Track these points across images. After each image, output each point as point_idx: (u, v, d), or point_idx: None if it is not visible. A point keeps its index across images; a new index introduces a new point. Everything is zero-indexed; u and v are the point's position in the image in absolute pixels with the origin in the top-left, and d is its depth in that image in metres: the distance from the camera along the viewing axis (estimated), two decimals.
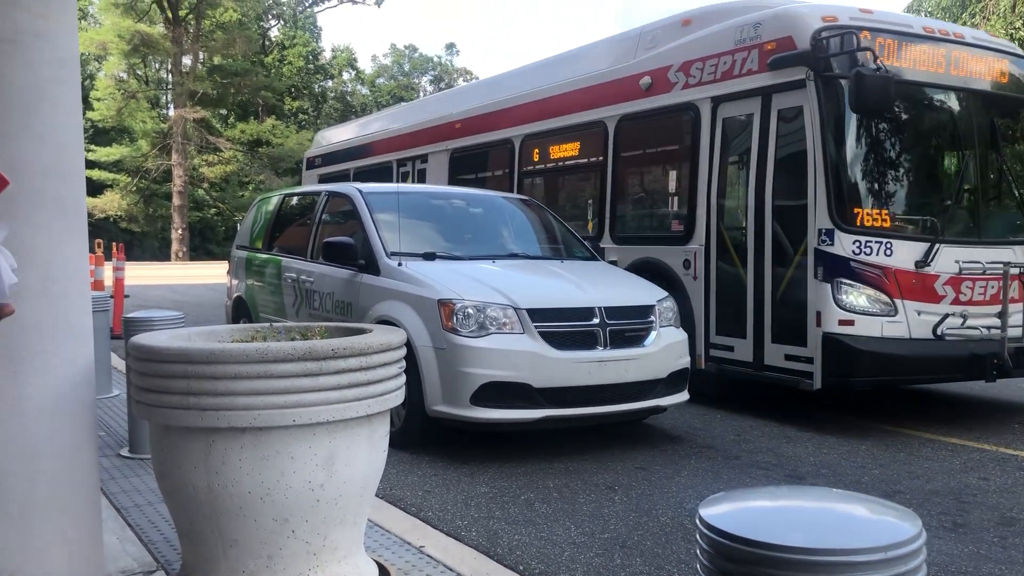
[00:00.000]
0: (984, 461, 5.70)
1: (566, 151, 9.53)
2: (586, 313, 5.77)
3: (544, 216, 7.88)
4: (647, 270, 7.72)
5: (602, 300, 5.89)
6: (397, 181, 12.45)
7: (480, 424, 5.57)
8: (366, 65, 60.48)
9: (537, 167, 10.00)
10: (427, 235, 6.88)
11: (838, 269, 6.44)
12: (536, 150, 9.91)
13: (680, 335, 6.29)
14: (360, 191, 7.10)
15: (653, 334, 6.01)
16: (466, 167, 11.38)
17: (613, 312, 5.85)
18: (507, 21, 73.62)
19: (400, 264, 6.15)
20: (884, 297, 6.46)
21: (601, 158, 8.85)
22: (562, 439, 6.06)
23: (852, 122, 6.69)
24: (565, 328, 5.67)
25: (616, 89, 8.65)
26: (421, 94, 55.38)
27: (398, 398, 3.15)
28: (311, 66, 55.44)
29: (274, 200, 9.11)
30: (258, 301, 8.43)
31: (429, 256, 6.31)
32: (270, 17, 54.00)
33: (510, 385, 5.49)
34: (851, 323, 6.41)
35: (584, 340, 5.70)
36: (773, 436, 6.44)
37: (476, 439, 5.99)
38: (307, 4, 55.12)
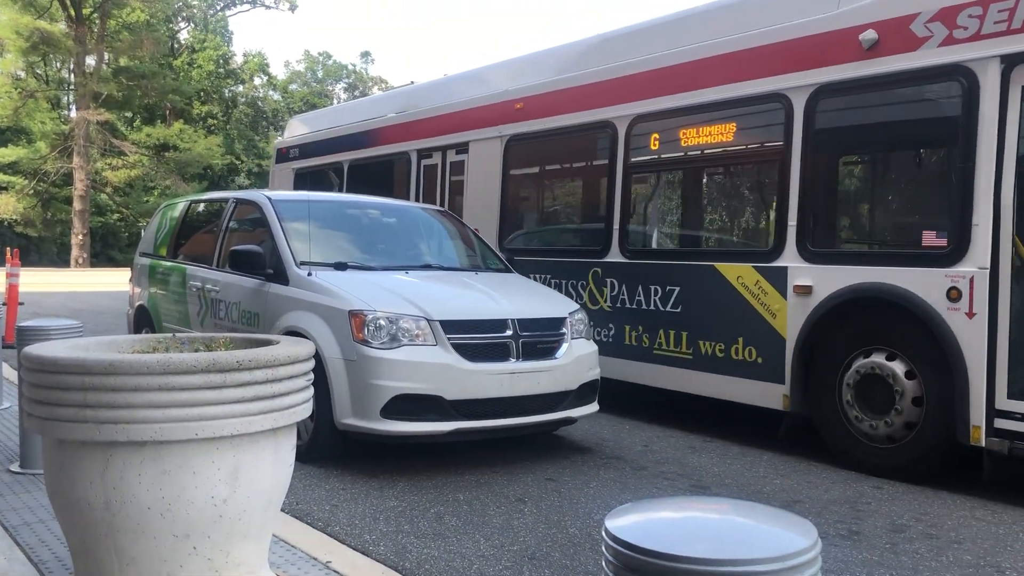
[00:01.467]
0: (875, 469, 5.91)
1: (711, 136, 7.12)
2: (499, 325, 5.78)
3: (461, 228, 7.89)
4: (869, 306, 5.85)
5: (515, 312, 5.92)
6: (417, 176, 10.42)
7: (391, 437, 5.52)
8: (279, 71, 59.53)
9: (652, 157, 7.67)
10: (339, 245, 6.81)
11: None
12: (655, 135, 7.54)
13: (590, 347, 6.37)
14: (269, 198, 6.98)
15: (565, 346, 6.07)
16: (529, 158, 9.28)
17: (526, 324, 5.88)
18: (424, 30, 73.52)
19: (310, 274, 6.05)
20: None
21: (780, 143, 6.47)
22: (473, 451, 6.05)
23: None
24: (478, 340, 5.67)
25: (808, 50, 6.33)
26: (335, 101, 54.76)
27: (306, 411, 3.09)
28: (221, 70, 54.28)
29: (180, 206, 8.87)
30: (161, 310, 8.19)
31: (340, 266, 6.24)
32: (180, 19, 52.70)
33: (422, 397, 5.46)
34: None
35: (497, 352, 5.71)
36: (679, 447, 6.57)
37: (386, 452, 5.93)
38: (218, 7, 54.00)
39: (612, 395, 7.29)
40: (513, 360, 5.72)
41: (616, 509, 1.76)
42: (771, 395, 6.40)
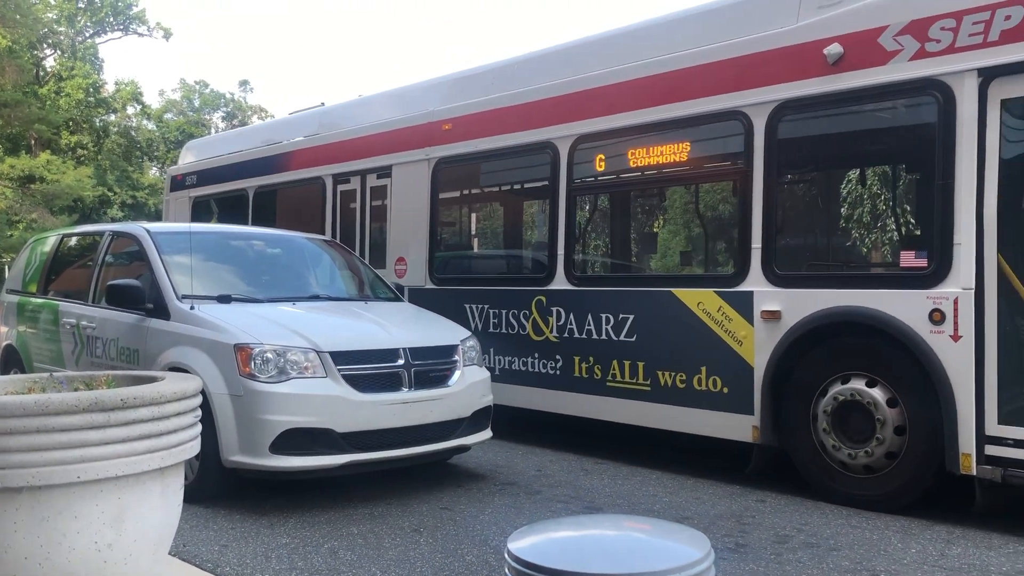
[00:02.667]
0: (761, 483, 6.14)
1: (665, 156, 6.83)
2: (390, 355, 5.75)
3: (349, 258, 7.82)
4: (845, 331, 5.68)
5: (406, 341, 5.90)
6: (334, 202, 9.96)
7: (281, 473, 5.40)
8: (153, 99, 57.71)
9: (599, 179, 7.55)
10: (223, 277, 6.64)
11: None
12: (601, 156, 7.32)
13: (483, 373, 6.40)
14: (148, 230, 6.75)
15: (457, 373, 6.08)
16: (461, 181, 8.97)
17: (417, 352, 5.86)
18: (303, 58, 72.78)
19: (192, 308, 5.88)
20: None
21: (741, 163, 6.30)
22: (366, 483, 5.97)
23: None
24: (369, 370, 5.62)
25: (768, 65, 6.14)
26: (212, 130, 53.46)
27: (194, 449, 3.02)
28: (92, 99, 52.20)
29: (51, 240, 8.47)
30: (32, 349, 7.78)
31: (224, 299, 6.08)
32: (45, 46, 50.46)
33: (312, 431, 5.36)
34: None
35: (389, 382, 5.68)
36: (572, 469, 6.65)
37: (276, 489, 5.79)
38: (87, 34, 52.03)
39: (507, 420, 7.32)
40: (405, 389, 5.70)
41: (517, 531, 1.79)
42: (739, 426, 6.14)
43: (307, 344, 5.53)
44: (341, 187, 9.91)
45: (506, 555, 1.70)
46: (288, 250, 7.43)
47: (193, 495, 5.38)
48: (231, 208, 11.55)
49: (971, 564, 4.48)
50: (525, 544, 1.69)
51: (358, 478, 5.90)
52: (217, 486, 5.56)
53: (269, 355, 5.42)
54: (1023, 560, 4.55)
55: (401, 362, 5.73)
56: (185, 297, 6.03)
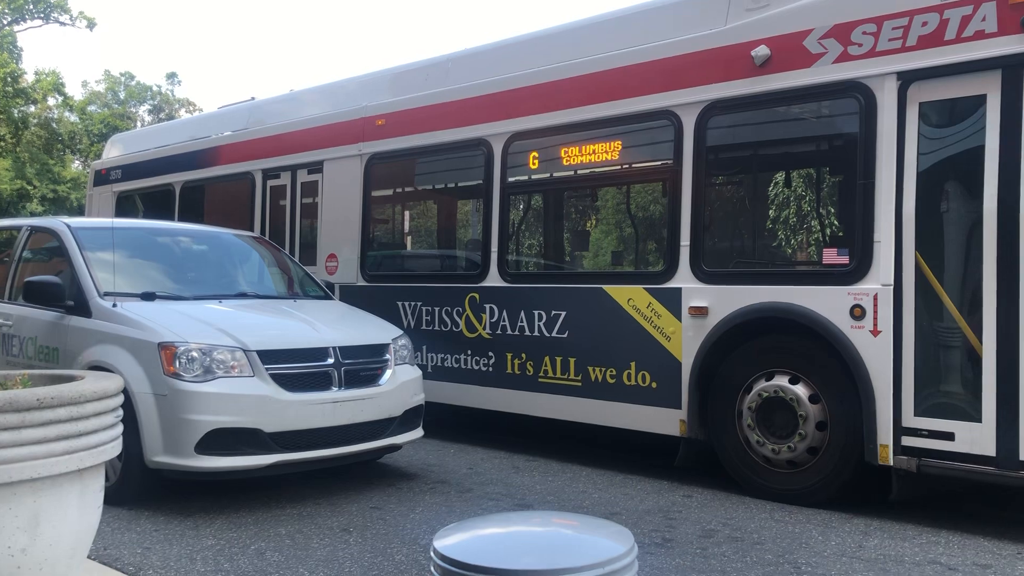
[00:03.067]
0: (689, 478, 6.25)
1: (597, 154, 6.92)
2: (320, 353, 5.69)
3: (278, 255, 7.70)
4: (770, 326, 5.81)
5: (336, 340, 5.84)
6: (263, 198, 9.74)
7: (207, 474, 5.30)
8: (76, 91, 56.00)
9: (533, 176, 7.59)
10: (147, 274, 6.48)
11: None
12: (535, 154, 7.38)
13: (415, 372, 6.37)
14: (68, 225, 6.55)
15: (388, 372, 6.04)
16: (394, 178, 8.94)
17: (348, 351, 5.81)
18: (233, 52, 71.32)
19: (115, 305, 5.73)
20: None
21: (671, 161, 6.38)
22: (295, 483, 5.90)
23: None
24: (298, 369, 5.55)
25: (697, 66, 6.27)
26: (138, 124, 52.14)
27: (115, 450, 2.94)
28: (10, 89, 50.42)
29: None
30: None
31: (148, 296, 5.94)
32: None
33: (239, 431, 5.28)
34: None
35: (318, 381, 5.61)
36: (503, 467, 6.67)
37: (201, 489, 5.68)
38: (5, 22, 50.23)
39: (439, 418, 7.31)
40: (335, 389, 5.64)
41: (443, 529, 1.79)
42: (667, 421, 6.23)
43: (234, 343, 5.43)
44: (271, 183, 9.76)
45: (432, 553, 1.70)
46: (215, 247, 7.29)
47: (115, 497, 5.26)
48: (157, 204, 11.28)
49: (887, 555, 4.63)
50: (451, 542, 1.69)
51: (287, 478, 5.82)
52: (140, 488, 5.43)
53: (194, 354, 5.31)
54: (935, 550, 4.73)
55: (331, 361, 5.68)
56: (107, 294, 5.87)
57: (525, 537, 1.83)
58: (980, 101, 5.14)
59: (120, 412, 3.02)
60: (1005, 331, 4.92)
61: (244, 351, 5.42)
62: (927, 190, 5.35)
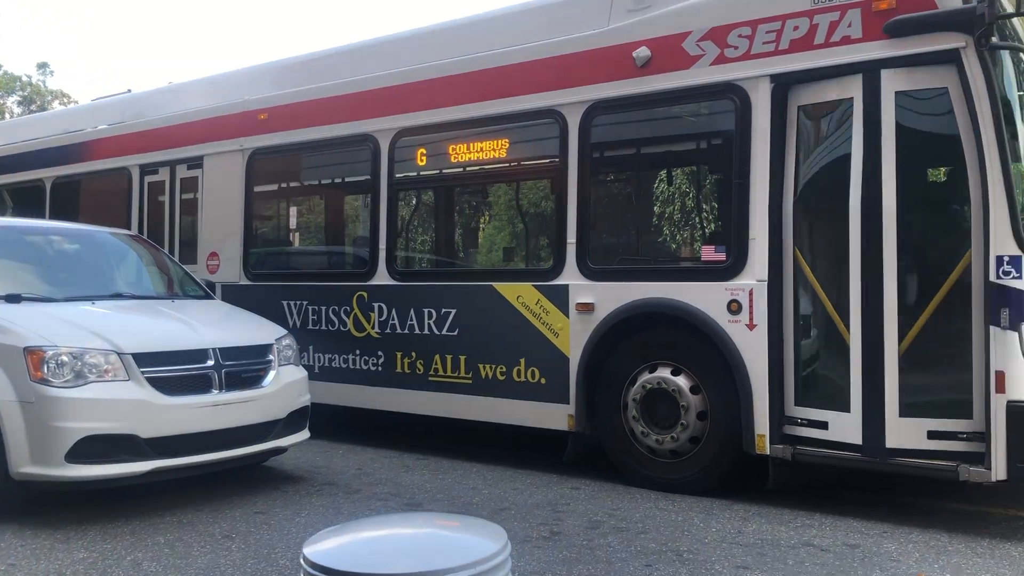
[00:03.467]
0: (577, 471, 6.34)
1: (484, 152, 6.97)
2: (199, 355, 5.51)
3: (155, 254, 7.42)
4: (653, 321, 5.96)
5: (216, 341, 5.67)
6: (141, 194, 9.37)
7: (79, 483, 5.08)
8: None
9: (421, 173, 7.53)
10: (12, 275, 6.11)
11: None
12: (423, 150, 7.29)
13: (300, 373, 6.26)
14: None
15: (272, 373, 5.91)
16: (278, 174, 8.74)
17: (229, 353, 5.65)
18: (111, 44, 68.24)
19: None
20: None
21: (557, 160, 6.46)
22: (175, 490, 5.70)
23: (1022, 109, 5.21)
24: (176, 372, 5.37)
25: (581, 66, 6.34)
26: (7, 116, 49.44)
27: None
28: None
29: None
30: None
31: (13, 298, 5.62)
32: None
33: (114, 438, 5.07)
34: None
35: (197, 384, 5.44)
36: (393, 466, 6.62)
37: (74, 501, 5.42)
38: None
39: (328, 420, 7.19)
40: (216, 391, 5.48)
41: (316, 535, 1.76)
42: (556, 416, 6.29)
43: (107, 346, 5.21)
44: (149, 178, 9.40)
45: (301, 560, 1.67)
46: (88, 245, 6.95)
47: None
48: (26, 200, 10.70)
49: (764, 539, 4.80)
50: (322, 548, 1.66)
51: (166, 485, 5.62)
52: (4, 501, 5.15)
53: (64, 358, 5.07)
54: (809, 532, 4.93)
55: (211, 363, 5.51)
56: None
57: (398, 540, 1.81)
58: (848, 104, 5.38)
59: None
60: (869, 325, 5.17)
61: (118, 354, 5.20)
62: (801, 189, 5.55)
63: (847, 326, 5.27)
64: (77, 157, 10.18)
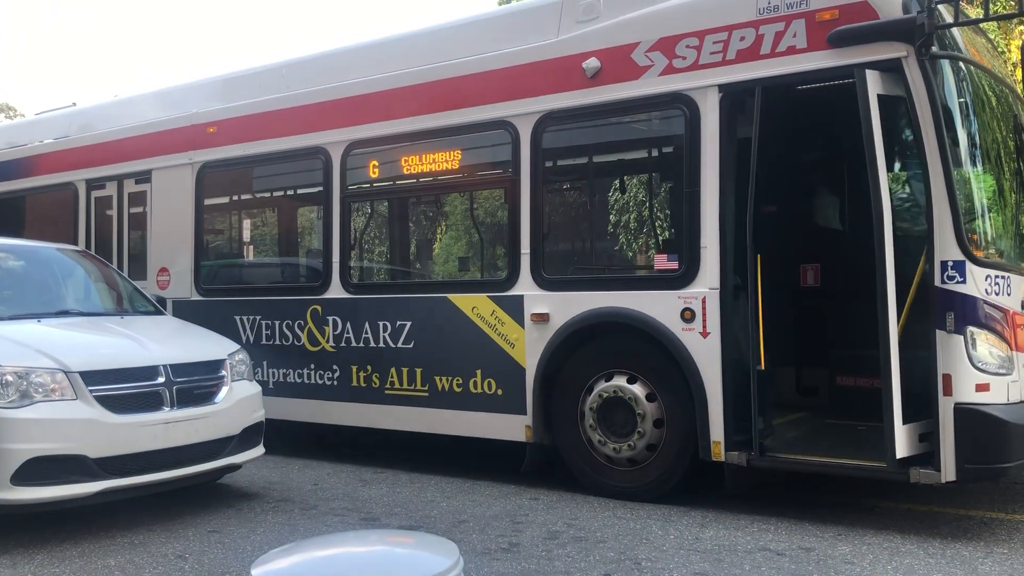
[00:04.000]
0: (535, 482, 6.33)
1: (437, 164, 6.97)
2: (149, 372, 5.42)
3: (104, 269, 7.28)
4: (608, 331, 5.99)
5: (167, 357, 5.58)
6: (87, 209, 9.25)
7: (25, 506, 4.95)
8: None
9: (374, 185, 7.53)
10: None
11: (969, 315, 4.91)
12: (375, 163, 7.29)
13: (254, 388, 6.18)
14: None
15: (225, 389, 5.83)
16: (229, 187, 8.62)
17: (180, 369, 5.56)
18: (53, 57, 67.00)
19: None
20: (1004, 350, 5.04)
21: (509, 171, 6.47)
22: (127, 510, 5.57)
23: (964, 117, 5.29)
24: (125, 390, 5.27)
25: (532, 77, 6.35)
26: None
27: None
28: None
29: None
30: None
31: None
32: None
33: (61, 458, 4.96)
34: (987, 388, 4.89)
35: (148, 401, 5.35)
36: (350, 481, 6.56)
37: (20, 524, 5.28)
38: None
39: (284, 435, 7.10)
40: (167, 409, 5.39)
41: (264, 555, 1.73)
42: (513, 427, 6.28)
43: (53, 364, 5.09)
44: (96, 193, 9.23)
45: None
46: (32, 262, 6.79)
47: None
48: None
49: (722, 545, 4.84)
50: (270, 569, 1.63)
51: (118, 505, 5.50)
52: None
53: (9, 378, 4.95)
54: (765, 537, 4.98)
55: (161, 380, 5.41)
56: None
57: (349, 559, 1.79)
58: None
59: None
60: None
61: (65, 372, 5.09)
62: (753, 196, 5.59)
63: None
64: (21, 172, 9.98)
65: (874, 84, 5.02)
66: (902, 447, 4.88)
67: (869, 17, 5.13)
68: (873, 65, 5.10)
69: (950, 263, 4.91)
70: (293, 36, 71.53)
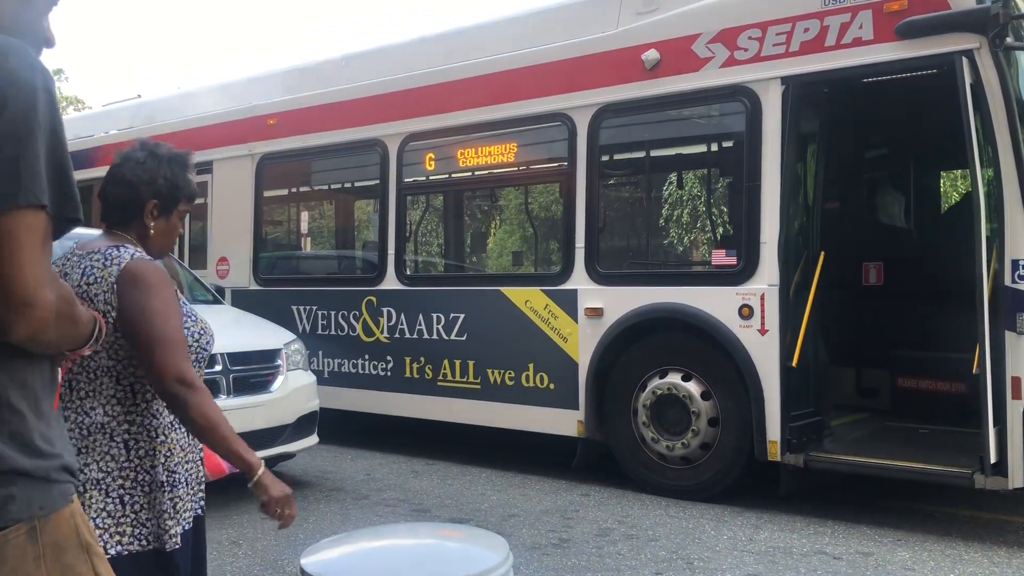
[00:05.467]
0: (586, 478, 6.29)
1: (492, 156, 6.90)
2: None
3: (165, 259, 7.40)
4: (663, 326, 5.89)
5: (224, 346, 5.61)
6: None
7: None
8: None
9: (429, 178, 7.56)
10: None
11: None
12: (431, 155, 7.29)
13: (309, 377, 6.23)
14: None
15: (280, 378, 5.89)
16: (288, 179, 8.72)
17: (236, 358, 5.63)
18: (126, 51, 68.52)
19: None
20: None
21: (565, 164, 6.40)
22: None
23: None
24: None
25: (590, 69, 6.28)
26: None
27: None
28: None
29: None
30: None
31: None
32: None
33: None
34: None
35: None
36: (402, 472, 6.59)
37: None
38: None
39: (337, 425, 7.16)
40: (223, 396, 5.46)
41: (314, 545, 1.72)
42: (565, 422, 6.23)
43: None
44: None
45: (298, 571, 1.63)
46: None
47: None
48: None
49: (776, 547, 4.74)
50: (319, 559, 1.62)
51: None
52: None
53: None
54: (821, 540, 4.87)
55: (218, 368, 5.49)
56: None
57: (399, 552, 1.77)
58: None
59: None
60: None
61: None
62: (814, 192, 5.50)
63: None
64: (87, 163, 10.18)
65: (969, 73, 4.81)
66: (994, 452, 4.70)
67: (940, 7, 4.96)
68: (943, 57, 4.93)
69: (1022, 262, 4.72)
70: (355, 30, 72.22)
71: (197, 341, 2.28)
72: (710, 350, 5.67)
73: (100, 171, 8.57)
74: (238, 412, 5.47)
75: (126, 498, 2.04)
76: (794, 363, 5.31)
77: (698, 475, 5.73)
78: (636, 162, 6.77)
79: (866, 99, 6.14)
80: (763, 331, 5.44)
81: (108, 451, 2.04)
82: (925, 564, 4.46)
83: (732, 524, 5.18)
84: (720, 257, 5.80)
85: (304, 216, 9.27)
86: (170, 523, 2.07)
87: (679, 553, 4.62)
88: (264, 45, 69.45)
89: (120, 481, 2.03)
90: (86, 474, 1.99)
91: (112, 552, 1.99)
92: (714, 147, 6.45)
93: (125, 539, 2.02)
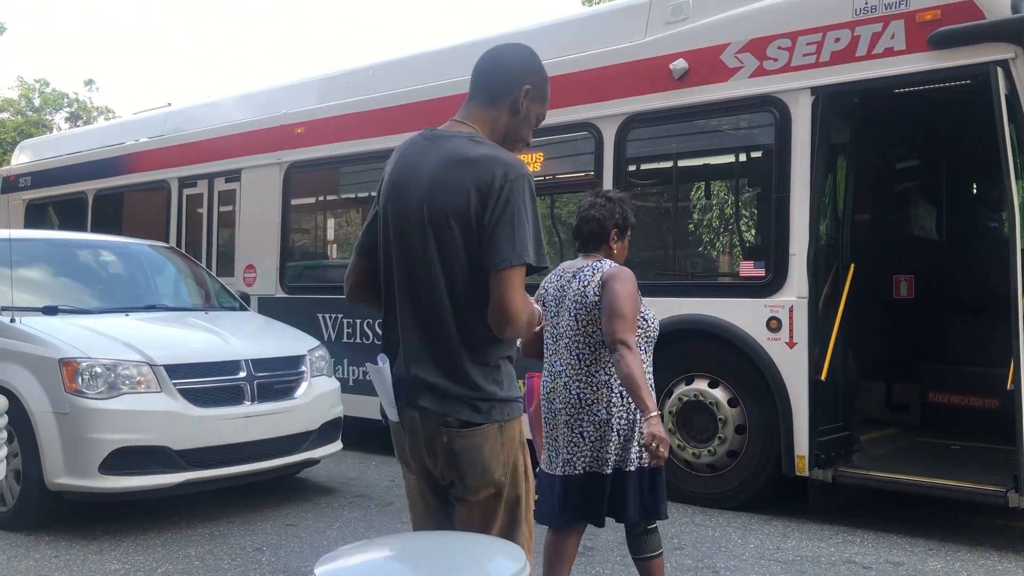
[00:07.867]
0: None
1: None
2: (231, 367, 5.51)
3: (192, 266, 7.46)
4: (692, 336, 5.77)
5: (248, 352, 5.67)
6: (179, 206, 9.47)
7: (111, 495, 5.09)
8: None
9: None
10: (49, 287, 6.19)
11: None
12: None
13: (332, 384, 6.24)
14: None
15: (304, 385, 5.90)
16: (315, 186, 8.78)
17: (261, 364, 5.65)
18: (152, 57, 69.38)
19: (13, 320, 5.46)
20: None
21: (592, 173, 6.41)
22: (207, 502, 5.69)
23: None
24: (208, 384, 5.37)
25: (617, 78, 6.25)
26: (54, 131, 50.50)
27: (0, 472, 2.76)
28: None
29: None
30: None
31: (50, 310, 5.66)
32: None
33: (146, 449, 5.08)
34: None
35: (229, 395, 5.44)
36: None
37: (107, 512, 5.43)
38: None
39: (360, 432, 7.15)
40: (248, 403, 5.47)
41: (331, 552, 1.70)
42: None
43: (140, 357, 5.22)
44: (187, 191, 9.49)
45: None
46: (123, 258, 7.00)
47: (12, 523, 5.09)
48: (69, 212, 10.87)
49: (804, 556, 4.67)
50: (334, 567, 1.60)
51: (199, 497, 5.61)
52: (40, 512, 5.18)
53: (98, 369, 5.09)
54: (851, 549, 4.79)
55: (243, 374, 5.50)
56: (4, 309, 5.58)
57: (415, 560, 1.74)
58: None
59: (4, 434, 2.84)
60: None
61: (151, 366, 5.21)
62: (844, 203, 5.42)
63: None
64: (118, 170, 10.33)
65: (1004, 84, 4.73)
66: None
67: (975, 17, 4.88)
68: (978, 68, 4.85)
69: None
70: (383, 42, 72.63)
71: (647, 324, 3.28)
72: (737, 360, 5.60)
73: (130, 178, 8.65)
74: (262, 418, 5.51)
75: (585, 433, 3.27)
76: (823, 376, 5.24)
77: (725, 483, 5.67)
78: (663, 172, 6.70)
79: (898, 110, 6.06)
80: (791, 344, 5.37)
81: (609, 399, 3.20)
82: (958, 574, 4.38)
83: (759, 532, 5.11)
84: (748, 269, 5.74)
85: (331, 224, 9.32)
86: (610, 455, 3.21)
87: (705, 562, 4.56)
88: (298, 55, 70.04)
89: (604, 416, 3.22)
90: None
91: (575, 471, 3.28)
92: (742, 158, 6.39)
93: (581, 462, 3.29)
